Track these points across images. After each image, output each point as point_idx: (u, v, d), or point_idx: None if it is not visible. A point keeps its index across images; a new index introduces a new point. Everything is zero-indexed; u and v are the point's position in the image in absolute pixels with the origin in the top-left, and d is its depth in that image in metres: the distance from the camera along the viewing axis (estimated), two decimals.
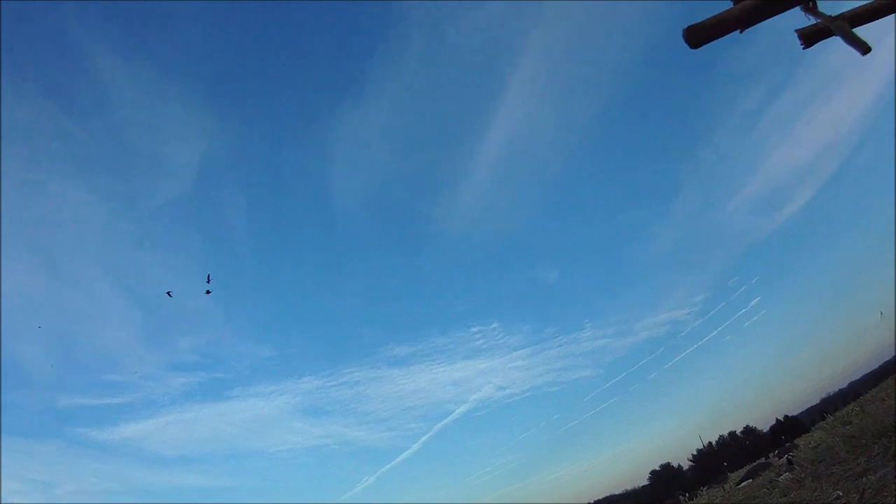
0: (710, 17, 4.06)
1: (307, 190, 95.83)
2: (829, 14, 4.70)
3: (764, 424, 50.69)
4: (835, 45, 4.76)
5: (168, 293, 34.99)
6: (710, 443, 50.10)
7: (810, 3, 4.51)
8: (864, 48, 4.25)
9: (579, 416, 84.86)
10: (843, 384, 65.08)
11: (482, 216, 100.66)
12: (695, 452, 50.45)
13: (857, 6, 4.74)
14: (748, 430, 48.65)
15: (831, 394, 63.19)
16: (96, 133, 75.59)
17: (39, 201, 74.48)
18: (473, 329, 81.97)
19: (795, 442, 39.89)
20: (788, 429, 47.54)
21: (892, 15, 4.74)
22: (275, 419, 79.64)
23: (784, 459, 33.42)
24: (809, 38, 5.00)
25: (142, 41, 74.97)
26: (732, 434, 48.77)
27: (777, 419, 50.08)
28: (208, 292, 30.85)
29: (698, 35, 4.09)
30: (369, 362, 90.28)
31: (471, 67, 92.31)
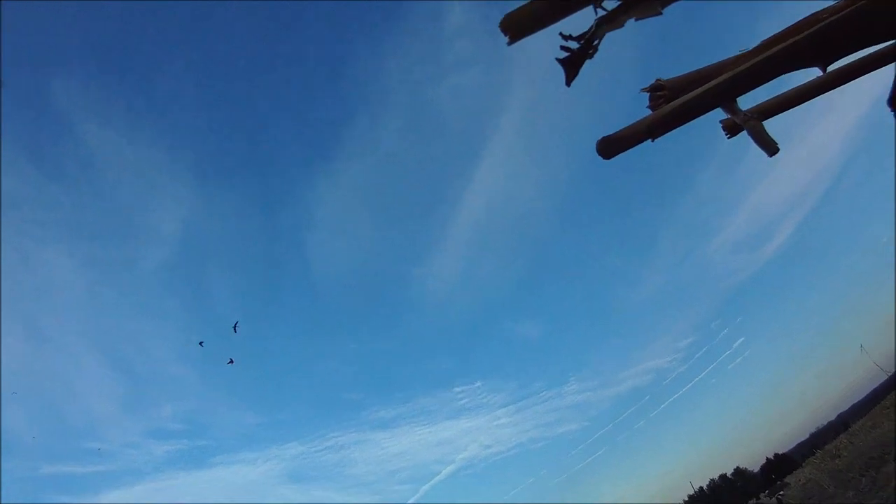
0: (622, 128, 3.99)
1: (291, 256, 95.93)
2: (744, 111, 4.77)
3: (755, 464, 50.11)
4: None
5: (236, 324, 33.28)
6: (701, 487, 48.96)
7: (731, 105, 4.53)
8: (773, 150, 4.28)
9: (567, 470, 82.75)
10: (832, 416, 64.99)
11: (463, 277, 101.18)
12: (686, 499, 49.20)
13: (768, 100, 4.82)
14: (739, 472, 47.77)
15: (821, 427, 62.88)
16: (82, 200, 75.13)
17: (23, 268, 72.74)
18: (457, 389, 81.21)
19: (786, 480, 39.22)
20: (779, 467, 46.95)
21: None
22: (260, 486, 76.29)
23: (774, 500, 32.58)
24: (733, 129, 5.08)
25: (129, 111, 75.74)
26: (723, 477, 47.75)
27: (767, 458, 49.53)
28: (231, 362, 29.54)
29: (610, 147, 4.00)
30: (354, 426, 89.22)
31: (451, 130, 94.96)
